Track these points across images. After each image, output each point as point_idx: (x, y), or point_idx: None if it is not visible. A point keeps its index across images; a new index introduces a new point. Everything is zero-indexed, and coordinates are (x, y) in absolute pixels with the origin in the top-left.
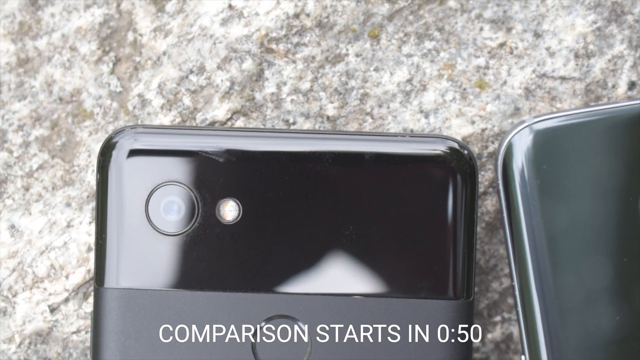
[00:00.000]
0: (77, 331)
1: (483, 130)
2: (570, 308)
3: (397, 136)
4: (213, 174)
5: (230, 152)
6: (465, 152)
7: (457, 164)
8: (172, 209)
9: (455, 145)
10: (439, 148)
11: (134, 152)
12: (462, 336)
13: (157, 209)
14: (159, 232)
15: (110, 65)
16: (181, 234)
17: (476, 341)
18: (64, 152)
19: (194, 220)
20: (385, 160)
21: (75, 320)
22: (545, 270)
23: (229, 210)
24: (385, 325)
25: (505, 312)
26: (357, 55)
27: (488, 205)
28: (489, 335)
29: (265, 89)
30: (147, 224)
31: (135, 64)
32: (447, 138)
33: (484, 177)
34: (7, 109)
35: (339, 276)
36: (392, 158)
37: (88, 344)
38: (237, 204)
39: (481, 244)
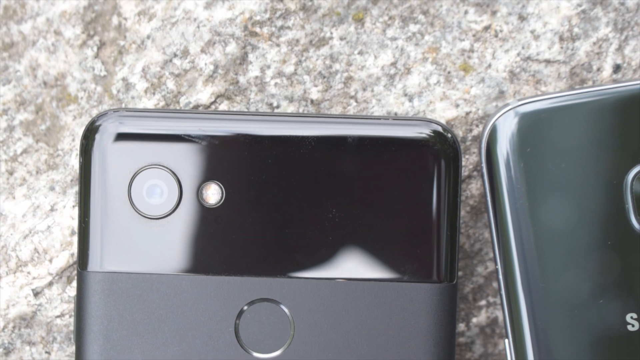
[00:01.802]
0: (61, 315)
1: (467, 113)
2: (554, 291)
3: (380, 119)
4: (196, 157)
5: (213, 136)
6: (449, 135)
7: (441, 147)
8: (155, 192)
9: (439, 129)
10: (422, 131)
11: (116, 136)
12: (446, 319)
13: (140, 193)
14: (141, 215)
15: (95, 49)
16: (164, 218)
17: (461, 325)
18: (48, 137)
19: (176, 203)
20: (369, 143)
21: (59, 304)
22: (529, 254)
23: (212, 194)
24: (368, 309)
25: (490, 296)
26: (341, 39)
27: (473, 188)
28: (474, 320)
29: (249, 72)
30: (130, 208)
31: (120, 48)
32: (430, 121)
33: (469, 160)
34: None
35: (322, 260)
36: (375, 141)
37: (72, 327)
38: (220, 187)
39: (466, 228)
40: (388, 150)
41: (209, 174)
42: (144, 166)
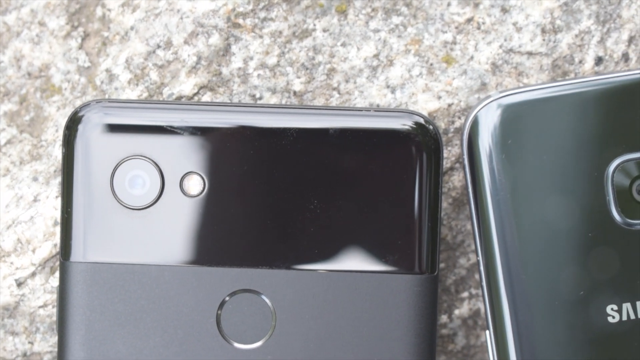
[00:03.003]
0: (44, 305)
1: (449, 105)
2: (535, 283)
3: (362, 111)
4: (178, 148)
5: (195, 127)
6: (431, 127)
7: (422, 139)
8: (137, 182)
9: (421, 120)
10: (404, 123)
11: (99, 126)
12: (427, 311)
13: (122, 183)
14: (124, 206)
15: (79, 40)
16: (146, 208)
17: (444, 317)
18: (32, 127)
19: (158, 194)
20: (351, 134)
21: (42, 294)
22: (510, 246)
23: (194, 185)
24: (349, 300)
25: (472, 288)
26: (324, 31)
27: (455, 180)
28: (456, 311)
29: (232, 63)
30: (113, 198)
31: (104, 39)
32: (412, 113)
33: (451, 152)
34: None
35: (304, 251)
36: (357, 133)
37: (55, 318)
38: (202, 178)
39: (448, 220)
40: (370, 142)
41: (191, 165)
42: (127, 157)
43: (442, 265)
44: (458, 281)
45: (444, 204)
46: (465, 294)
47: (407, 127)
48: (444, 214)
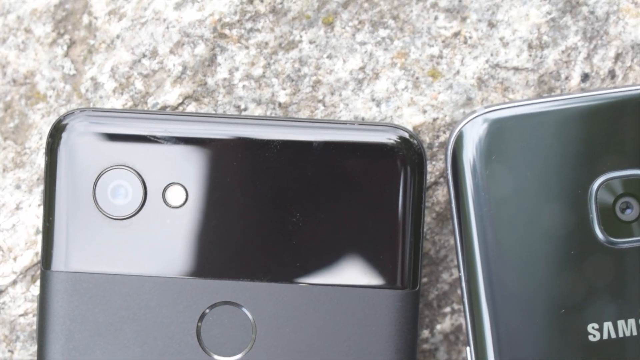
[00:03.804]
0: (25, 314)
1: (434, 119)
2: (517, 300)
3: (346, 124)
4: (161, 158)
5: (178, 137)
6: (415, 141)
7: (406, 154)
8: (120, 192)
9: (405, 135)
10: (388, 137)
11: (82, 135)
12: (408, 326)
13: (105, 193)
14: (106, 215)
15: (65, 47)
16: (128, 218)
17: (425, 332)
18: (16, 134)
19: (140, 204)
20: (334, 148)
21: (23, 302)
22: (492, 262)
23: (176, 196)
24: (330, 314)
25: (455, 303)
26: (310, 42)
27: (439, 195)
28: (438, 326)
29: (218, 74)
30: (95, 207)
31: (90, 47)
32: (396, 127)
33: (435, 167)
34: None
35: (286, 264)
36: (341, 146)
37: (35, 326)
38: (185, 189)
39: (432, 235)
40: (353, 156)
41: (174, 176)
42: (109, 166)
43: (424, 279)
44: (440, 296)
45: (428, 219)
46: (447, 309)
47: (391, 141)
48: (428, 229)
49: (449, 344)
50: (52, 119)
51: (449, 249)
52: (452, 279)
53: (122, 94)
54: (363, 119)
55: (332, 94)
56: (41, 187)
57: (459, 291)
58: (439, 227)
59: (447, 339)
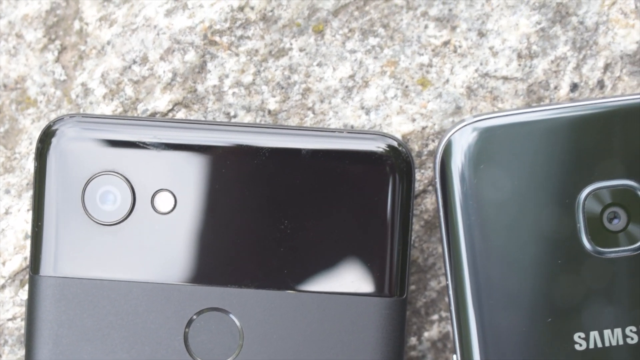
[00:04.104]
0: (13, 318)
1: (423, 128)
2: (504, 309)
3: (335, 132)
4: (150, 165)
5: (167, 144)
6: (403, 150)
7: (394, 162)
8: (108, 198)
9: (393, 143)
10: (376, 145)
11: (72, 141)
12: (395, 334)
13: (94, 198)
14: (94, 221)
15: (56, 53)
16: (116, 224)
17: (413, 339)
18: (6, 139)
19: (129, 210)
20: (323, 156)
21: (12, 307)
22: (480, 271)
23: (165, 202)
24: (317, 321)
25: (442, 311)
26: (300, 50)
27: (427, 203)
28: (426, 334)
29: (208, 81)
30: (83, 213)
31: (80, 53)
32: (385, 135)
33: (424, 175)
34: None
35: (273, 271)
36: (329, 154)
37: (23, 331)
38: (173, 196)
39: (420, 242)
40: (342, 164)
41: (162, 182)
42: (99, 172)
43: (412, 287)
44: (428, 304)
45: (416, 227)
46: (435, 317)
47: (379, 149)
48: (416, 237)
49: (436, 352)
50: (43, 124)
51: (437, 256)
52: (440, 287)
53: (112, 99)
54: (352, 127)
55: (322, 101)
56: (31, 192)
57: (446, 299)
58: (427, 235)
59: (434, 346)
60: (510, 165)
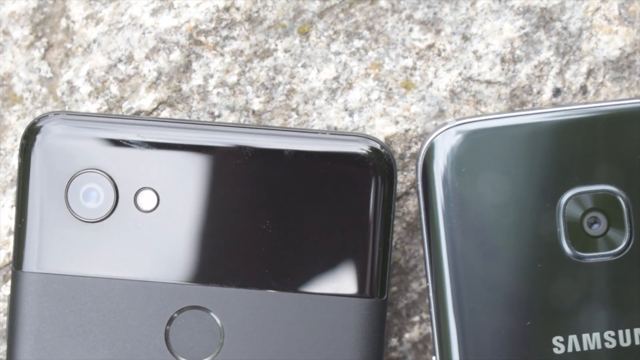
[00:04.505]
0: None
1: (406, 130)
2: (483, 311)
3: (318, 133)
4: (134, 163)
5: (151, 142)
6: (385, 152)
7: (376, 164)
8: (91, 196)
9: (376, 145)
10: (359, 147)
11: (56, 138)
12: (375, 335)
13: (77, 196)
14: (77, 218)
15: (42, 50)
16: (99, 222)
17: (394, 340)
18: None
19: (112, 208)
20: (305, 157)
21: None
22: (460, 273)
23: (148, 200)
24: (297, 321)
25: (423, 313)
26: (285, 51)
27: (410, 205)
28: (407, 335)
29: (192, 80)
30: (66, 210)
31: (67, 51)
32: (367, 137)
33: (406, 177)
34: None
35: (255, 270)
36: (312, 155)
37: (6, 326)
38: (156, 194)
39: (402, 244)
40: (324, 165)
41: (145, 180)
42: (82, 169)
43: (394, 288)
44: (409, 305)
45: (398, 228)
46: (416, 318)
47: (361, 151)
48: (398, 238)
49: (417, 353)
50: (28, 120)
51: (418, 258)
52: (422, 289)
53: (97, 97)
54: (336, 128)
55: (306, 102)
56: (15, 189)
57: (427, 300)
58: (409, 237)
59: (415, 347)
60: (492, 168)
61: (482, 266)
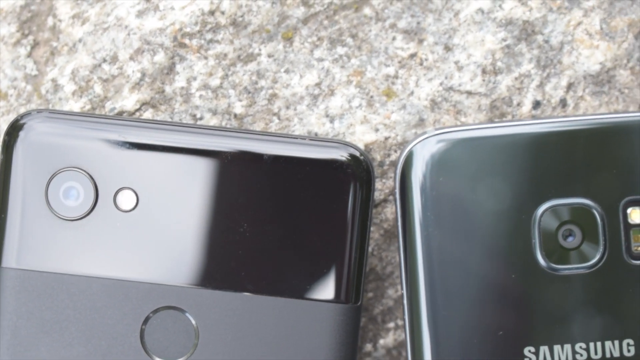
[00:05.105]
0: None
1: (386, 138)
2: (456, 320)
3: (297, 139)
4: (114, 163)
5: (132, 143)
6: (364, 159)
7: (354, 171)
8: (71, 194)
9: (355, 152)
10: (338, 154)
11: (38, 135)
12: (348, 340)
13: (57, 193)
14: (57, 216)
15: (28, 48)
16: (78, 220)
17: (369, 346)
18: None
19: (91, 206)
20: (284, 162)
21: None
22: (435, 281)
23: (127, 200)
24: (272, 324)
25: (399, 319)
26: (269, 56)
27: (388, 212)
28: (382, 341)
29: (176, 82)
30: (46, 207)
31: (52, 49)
32: (347, 144)
33: (385, 185)
34: None
35: (231, 272)
36: (291, 160)
37: None
38: (135, 194)
39: (379, 251)
40: (303, 170)
41: (125, 180)
42: (63, 167)
43: (370, 294)
44: (385, 311)
45: (376, 235)
46: (391, 324)
47: (340, 158)
48: (375, 245)
49: (391, 359)
50: (12, 117)
51: (395, 265)
52: (398, 295)
53: (81, 97)
54: (316, 134)
55: (288, 107)
56: None
57: (402, 307)
58: (386, 244)
59: (389, 353)
60: (470, 178)
61: (457, 275)
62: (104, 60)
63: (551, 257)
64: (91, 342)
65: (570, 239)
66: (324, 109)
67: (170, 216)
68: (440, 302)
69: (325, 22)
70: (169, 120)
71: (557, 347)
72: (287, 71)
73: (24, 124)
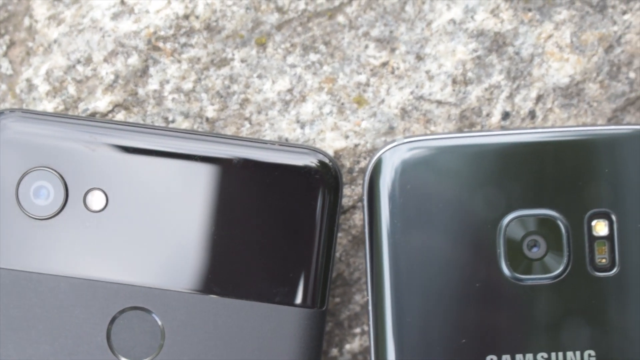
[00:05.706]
0: None
1: (356, 145)
2: (420, 327)
3: (267, 144)
4: (85, 163)
5: (102, 144)
6: (332, 165)
7: (323, 177)
8: (42, 193)
9: (324, 159)
10: (307, 159)
11: (10, 134)
12: (312, 344)
13: (27, 192)
14: (27, 215)
15: (4, 48)
16: (48, 219)
17: (334, 350)
18: None
19: (61, 206)
20: (253, 166)
21: None
22: (400, 288)
23: (97, 200)
24: (238, 327)
25: (365, 325)
26: (242, 61)
27: (356, 219)
28: (347, 346)
29: (149, 85)
30: (17, 206)
31: (28, 49)
32: (316, 150)
33: (354, 191)
34: None
35: (198, 274)
36: (260, 165)
37: None
38: (105, 195)
39: (347, 257)
40: (272, 175)
41: (95, 181)
42: (34, 167)
43: (337, 300)
44: (352, 317)
45: (344, 241)
46: (357, 330)
47: (309, 164)
48: (343, 251)
49: None
50: None
51: (362, 271)
52: (364, 301)
53: (54, 97)
54: (287, 139)
55: (259, 112)
56: None
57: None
58: (354, 250)
59: (355, 359)
60: (438, 187)
61: (422, 282)
62: (78, 62)
63: (516, 267)
64: (58, 341)
65: (535, 249)
66: (295, 115)
67: (139, 218)
68: (405, 309)
69: (299, 29)
70: (141, 122)
71: (519, 356)
72: (259, 76)
73: None
